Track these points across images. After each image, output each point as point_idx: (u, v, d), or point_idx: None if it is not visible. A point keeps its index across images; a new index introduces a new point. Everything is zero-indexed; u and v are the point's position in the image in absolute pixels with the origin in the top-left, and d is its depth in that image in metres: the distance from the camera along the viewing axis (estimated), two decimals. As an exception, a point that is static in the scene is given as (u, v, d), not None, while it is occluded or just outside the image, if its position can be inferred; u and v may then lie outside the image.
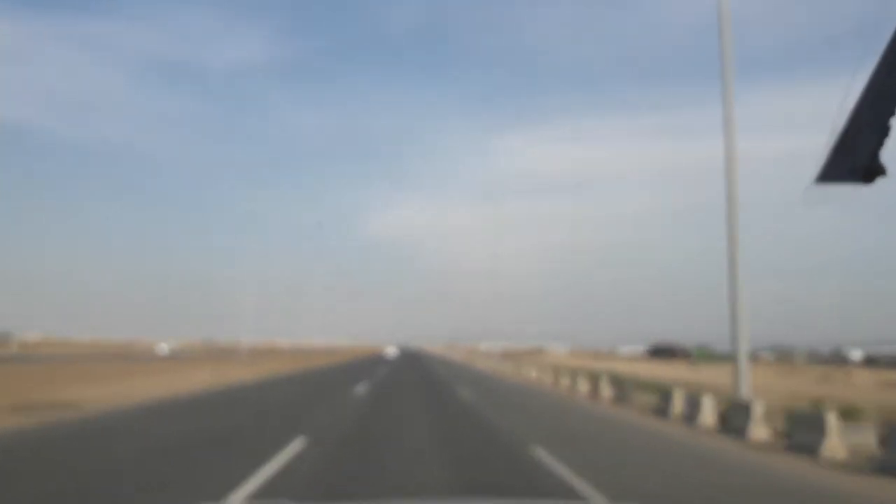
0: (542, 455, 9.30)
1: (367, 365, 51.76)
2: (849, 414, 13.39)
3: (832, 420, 10.27)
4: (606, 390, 23.08)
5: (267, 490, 6.57)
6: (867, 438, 10.81)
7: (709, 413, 14.42)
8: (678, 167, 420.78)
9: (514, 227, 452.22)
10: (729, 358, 16.51)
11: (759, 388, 19.59)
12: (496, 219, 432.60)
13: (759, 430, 12.33)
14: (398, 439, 10.94)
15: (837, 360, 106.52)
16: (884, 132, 1.47)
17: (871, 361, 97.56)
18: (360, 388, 23.52)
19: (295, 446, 9.41)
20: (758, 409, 12.56)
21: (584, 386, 26.62)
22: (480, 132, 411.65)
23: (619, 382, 23.16)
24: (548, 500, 6.02)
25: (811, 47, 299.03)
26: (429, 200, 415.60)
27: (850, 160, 1.51)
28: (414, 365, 54.46)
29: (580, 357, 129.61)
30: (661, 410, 16.57)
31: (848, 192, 1.54)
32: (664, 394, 17.72)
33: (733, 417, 13.42)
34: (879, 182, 1.50)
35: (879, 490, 7.98)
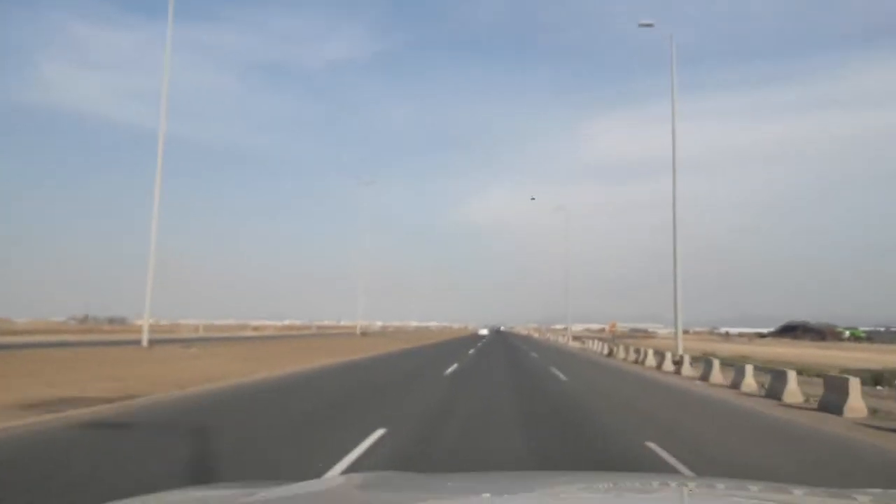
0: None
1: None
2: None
3: None
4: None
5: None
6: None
7: None
8: (768, 146, 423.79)
9: (606, 210, 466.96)
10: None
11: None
12: (588, 201, 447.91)
13: None
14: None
15: None
16: None
17: None
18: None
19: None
20: None
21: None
22: (568, 117, 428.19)
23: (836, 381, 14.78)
24: (641, 473, 5.84)
25: None
26: (520, 185, 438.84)
27: None
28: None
29: (697, 340, 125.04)
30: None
31: None
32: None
33: None
34: None
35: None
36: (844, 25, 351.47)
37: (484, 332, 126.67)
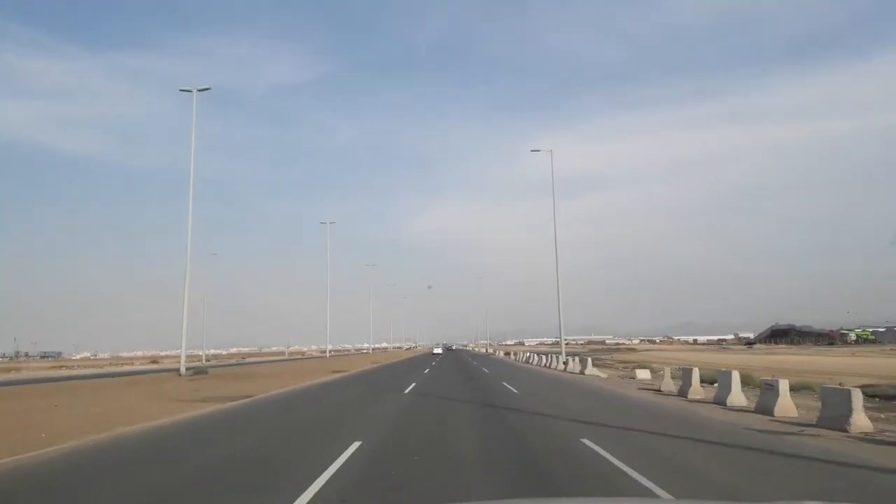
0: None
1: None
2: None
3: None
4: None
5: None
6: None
7: None
8: (692, 158, 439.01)
9: (546, 225, 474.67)
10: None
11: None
12: (530, 217, 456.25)
13: None
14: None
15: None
16: None
17: None
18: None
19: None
20: None
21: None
22: (508, 137, 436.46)
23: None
24: (618, 498, 6.00)
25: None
26: (464, 203, 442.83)
27: None
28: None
29: (673, 349, 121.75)
30: None
31: None
32: None
33: None
34: None
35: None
36: (765, 44, 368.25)
37: (438, 350, 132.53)
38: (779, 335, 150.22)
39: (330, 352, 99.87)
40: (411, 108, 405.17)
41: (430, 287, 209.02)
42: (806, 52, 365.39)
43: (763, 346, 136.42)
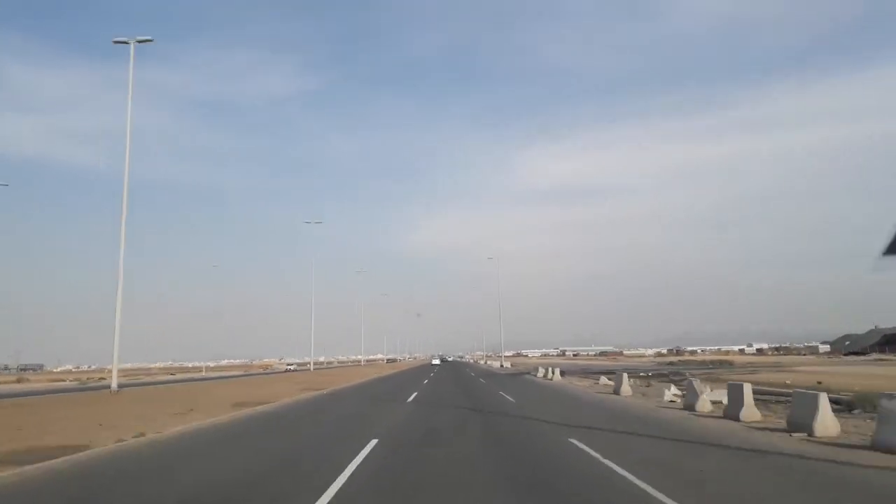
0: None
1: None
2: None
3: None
4: None
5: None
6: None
7: None
8: (691, 169, 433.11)
9: (543, 234, 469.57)
10: None
11: None
12: (518, 225, 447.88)
13: None
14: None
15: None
16: None
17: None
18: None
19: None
20: None
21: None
22: (505, 147, 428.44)
23: None
24: None
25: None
26: (460, 214, 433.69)
27: None
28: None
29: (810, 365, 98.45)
30: None
31: None
32: None
33: None
34: None
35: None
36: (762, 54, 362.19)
37: (436, 361, 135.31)
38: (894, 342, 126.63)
39: (316, 364, 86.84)
40: (407, 120, 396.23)
41: (419, 315, 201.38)
42: (807, 60, 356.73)
43: (881, 355, 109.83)
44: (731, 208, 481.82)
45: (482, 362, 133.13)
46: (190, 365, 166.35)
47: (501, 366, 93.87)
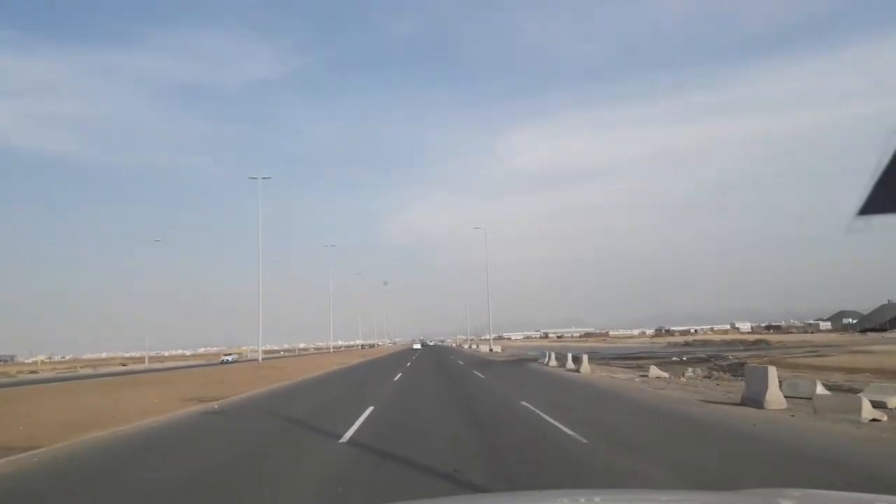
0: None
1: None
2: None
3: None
4: None
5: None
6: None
7: None
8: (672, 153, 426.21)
9: (518, 219, 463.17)
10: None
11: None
12: (509, 212, 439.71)
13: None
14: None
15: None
16: None
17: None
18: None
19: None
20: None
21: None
22: (487, 132, 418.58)
23: None
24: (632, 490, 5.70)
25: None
26: (442, 200, 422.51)
27: (892, 192, 1.69)
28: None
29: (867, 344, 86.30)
30: None
31: (889, 222, 1.73)
32: None
33: None
34: None
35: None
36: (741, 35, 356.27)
37: (417, 346, 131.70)
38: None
39: (268, 353, 72.32)
40: (389, 105, 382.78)
41: (385, 283, 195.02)
42: (783, 44, 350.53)
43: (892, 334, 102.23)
44: (707, 191, 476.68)
45: (467, 346, 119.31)
46: (153, 354, 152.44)
47: (491, 350, 78.71)
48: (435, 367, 39.13)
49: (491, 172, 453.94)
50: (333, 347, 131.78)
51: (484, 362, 44.45)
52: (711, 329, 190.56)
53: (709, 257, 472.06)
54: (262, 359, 58.75)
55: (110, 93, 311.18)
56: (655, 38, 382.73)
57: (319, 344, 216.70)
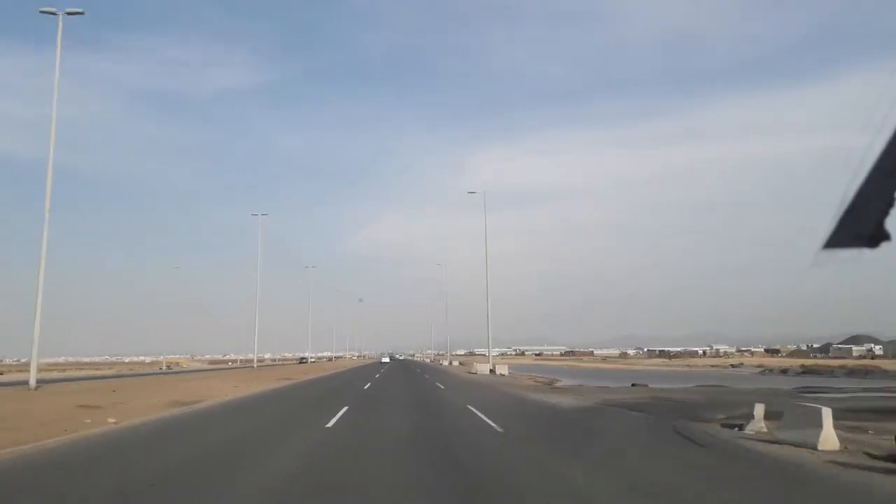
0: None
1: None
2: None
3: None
4: None
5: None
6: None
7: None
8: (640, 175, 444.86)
9: (491, 237, 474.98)
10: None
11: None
12: (473, 230, 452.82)
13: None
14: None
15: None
16: (890, 203, 1.70)
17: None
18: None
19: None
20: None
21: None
22: (454, 149, 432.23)
23: None
24: None
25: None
26: (410, 214, 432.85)
27: (856, 227, 1.71)
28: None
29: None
30: None
31: (854, 254, 1.75)
32: None
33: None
34: (883, 246, 1.73)
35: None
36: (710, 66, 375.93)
37: (386, 359, 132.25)
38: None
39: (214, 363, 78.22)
40: (356, 119, 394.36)
41: (361, 300, 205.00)
42: (749, 75, 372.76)
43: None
44: (672, 213, 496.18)
45: (446, 363, 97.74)
46: (161, 358, 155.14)
47: (492, 371, 52.69)
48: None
49: (459, 189, 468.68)
50: (308, 357, 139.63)
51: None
52: (699, 351, 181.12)
53: (667, 281, 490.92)
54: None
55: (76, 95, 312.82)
56: (624, 64, 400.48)
57: (288, 355, 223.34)
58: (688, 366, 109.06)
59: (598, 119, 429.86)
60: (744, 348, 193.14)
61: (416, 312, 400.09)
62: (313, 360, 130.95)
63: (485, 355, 70.78)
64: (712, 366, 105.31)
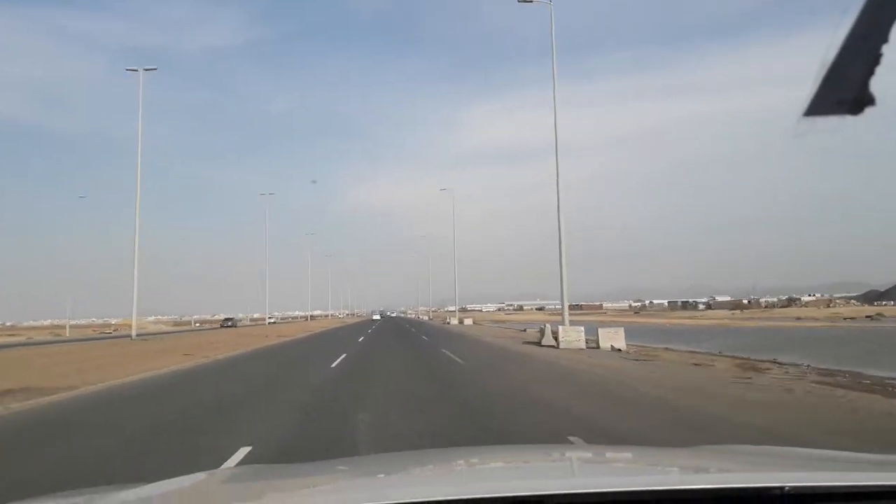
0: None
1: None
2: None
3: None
4: None
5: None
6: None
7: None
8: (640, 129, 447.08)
9: (482, 194, 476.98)
10: None
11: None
12: (464, 186, 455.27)
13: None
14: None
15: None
16: (874, 61, 1.41)
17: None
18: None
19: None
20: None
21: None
22: (446, 106, 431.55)
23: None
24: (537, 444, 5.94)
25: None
26: (406, 172, 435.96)
27: (839, 91, 1.45)
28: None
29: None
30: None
31: (836, 123, 1.46)
32: None
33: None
34: (868, 111, 1.44)
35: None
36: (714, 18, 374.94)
37: (377, 317, 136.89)
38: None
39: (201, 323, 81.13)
40: (351, 77, 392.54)
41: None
42: (742, 27, 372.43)
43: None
44: (671, 172, 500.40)
45: (451, 321, 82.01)
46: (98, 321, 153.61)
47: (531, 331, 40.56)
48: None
49: (453, 146, 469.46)
50: (312, 316, 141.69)
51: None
52: (713, 300, 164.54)
53: (669, 236, 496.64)
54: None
55: (62, 55, 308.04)
56: (620, 18, 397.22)
57: (277, 314, 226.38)
58: (797, 318, 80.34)
59: (596, 73, 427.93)
60: (766, 298, 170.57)
61: (408, 269, 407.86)
62: (272, 321, 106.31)
63: (483, 310, 77.89)
64: (846, 318, 76.07)
